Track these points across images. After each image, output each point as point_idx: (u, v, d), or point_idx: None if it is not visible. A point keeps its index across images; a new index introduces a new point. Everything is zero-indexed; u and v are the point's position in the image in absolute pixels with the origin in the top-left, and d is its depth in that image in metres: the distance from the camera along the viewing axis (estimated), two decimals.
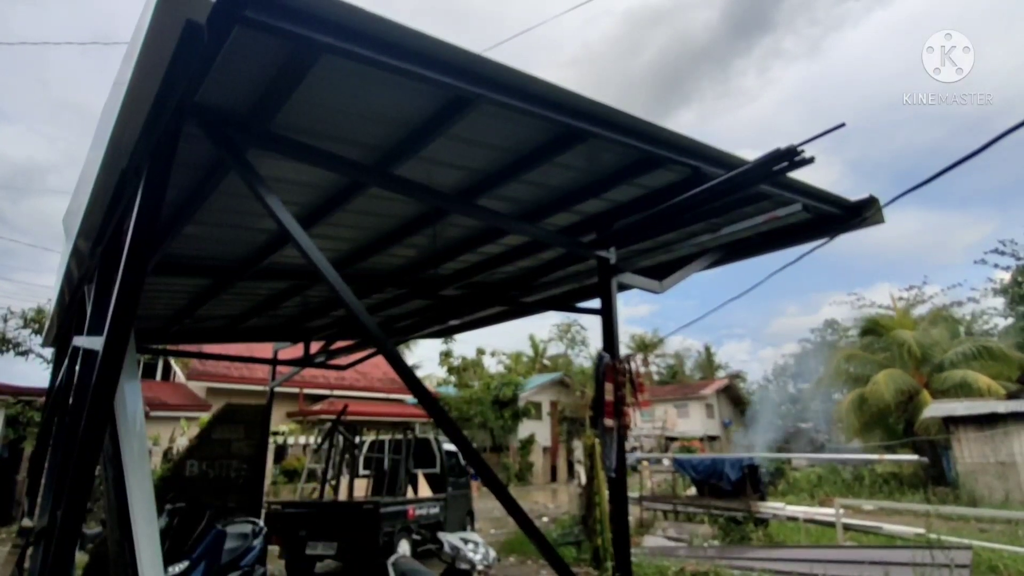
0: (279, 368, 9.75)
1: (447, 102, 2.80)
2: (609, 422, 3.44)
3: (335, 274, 2.95)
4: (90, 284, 3.89)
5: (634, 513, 12.68)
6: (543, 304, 5.94)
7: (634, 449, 38.91)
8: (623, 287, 4.23)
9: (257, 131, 2.81)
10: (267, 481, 21.03)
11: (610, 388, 3.49)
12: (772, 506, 9.85)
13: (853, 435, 21.75)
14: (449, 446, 10.90)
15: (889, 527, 8.69)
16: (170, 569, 4.48)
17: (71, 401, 3.65)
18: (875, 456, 14.90)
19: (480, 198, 3.83)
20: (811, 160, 3.11)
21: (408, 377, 2.95)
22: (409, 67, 2.32)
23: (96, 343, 2.88)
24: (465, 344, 58.94)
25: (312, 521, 7.91)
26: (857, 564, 7.27)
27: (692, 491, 11.73)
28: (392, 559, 4.89)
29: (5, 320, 17.49)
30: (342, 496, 9.02)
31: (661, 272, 4.58)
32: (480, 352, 36.46)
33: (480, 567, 3.87)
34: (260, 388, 21.48)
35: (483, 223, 4.36)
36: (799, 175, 3.56)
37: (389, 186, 3.33)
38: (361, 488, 9.31)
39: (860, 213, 4.18)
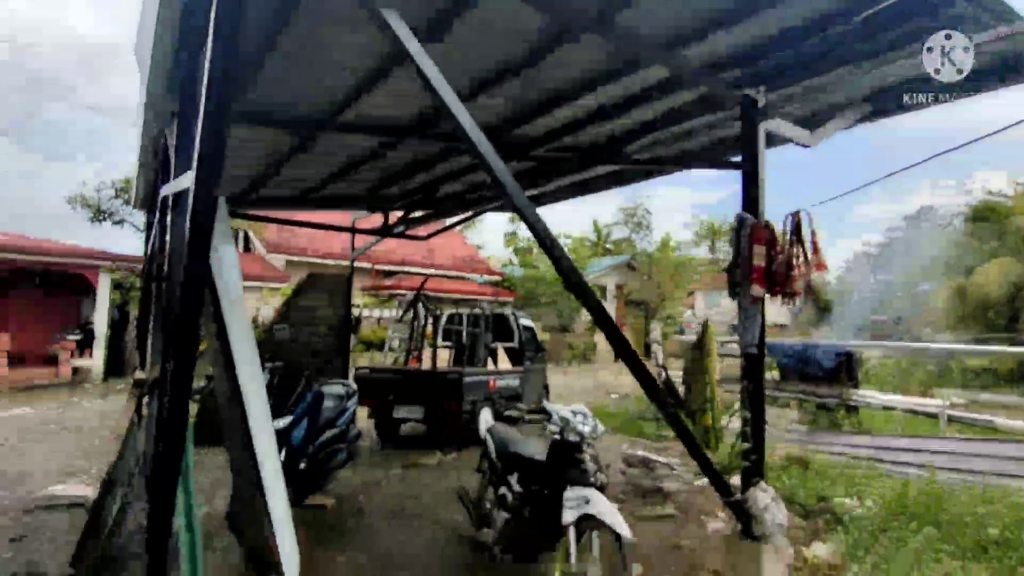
0: (357, 240, 9.65)
1: None
2: (758, 290, 2.92)
3: (461, 108, 2.44)
4: (171, 128, 3.54)
5: None
6: (663, 162, 5.23)
7: (682, 332, 38.76)
8: (770, 140, 3.49)
9: None
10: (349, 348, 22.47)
11: (760, 252, 2.93)
12: (866, 394, 9.38)
13: (948, 328, 20.42)
14: (526, 321, 10.83)
15: (1004, 421, 8.08)
16: (275, 423, 4.57)
17: (167, 251, 3.49)
18: (996, 348, 13.81)
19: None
20: None
21: (546, 239, 2.52)
22: None
23: (184, 181, 2.55)
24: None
25: (399, 387, 8.13)
26: (964, 456, 6.82)
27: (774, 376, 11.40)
28: (488, 426, 4.81)
29: (99, 191, 18.30)
30: (425, 365, 9.21)
31: (807, 124, 3.79)
32: None
33: (589, 439, 3.64)
34: (336, 262, 22.16)
35: (594, 63, 3.64)
36: None
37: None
38: (442, 359, 9.47)
39: None
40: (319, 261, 22.08)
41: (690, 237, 53.86)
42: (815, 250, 2.95)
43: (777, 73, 3.29)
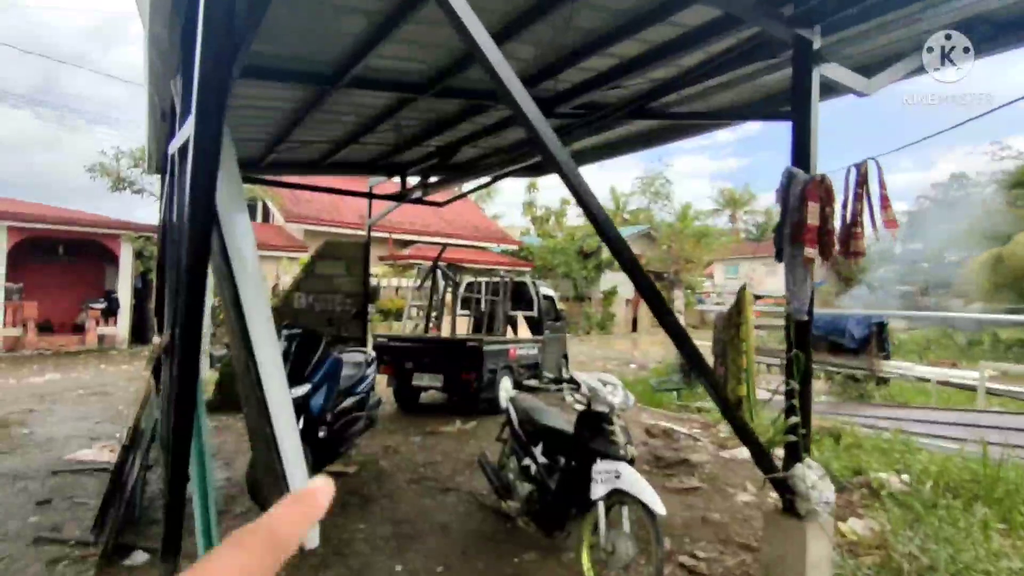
0: (375, 208, 9.46)
1: None
2: (810, 252, 2.67)
3: (493, 46, 2.20)
4: (175, 82, 3.34)
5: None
6: (704, 116, 4.87)
7: (718, 305, 38.35)
8: (825, 88, 3.18)
9: None
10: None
11: (814, 209, 2.66)
12: (898, 365, 9.09)
13: (980, 298, 19.78)
14: (546, 290, 10.63)
15: None
16: (293, 390, 4.47)
17: (173, 209, 3.34)
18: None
19: None
20: None
21: (586, 198, 2.30)
22: None
23: (187, 131, 2.36)
24: (548, 191, 57.67)
25: (418, 355, 8.04)
26: (1008, 431, 6.54)
27: None
28: (511, 395, 4.66)
29: (117, 159, 18.29)
30: (445, 333, 9.10)
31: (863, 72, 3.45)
32: (564, 202, 35.52)
33: (619, 410, 3.46)
34: (355, 231, 22.04)
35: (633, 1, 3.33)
36: None
37: None
38: (461, 327, 9.35)
39: None
40: (337, 230, 21.99)
41: (710, 207, 52.95)
42: (885, 205, 2.66)
43: (833, 11, 2.97)
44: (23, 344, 15.53)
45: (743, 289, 4.33)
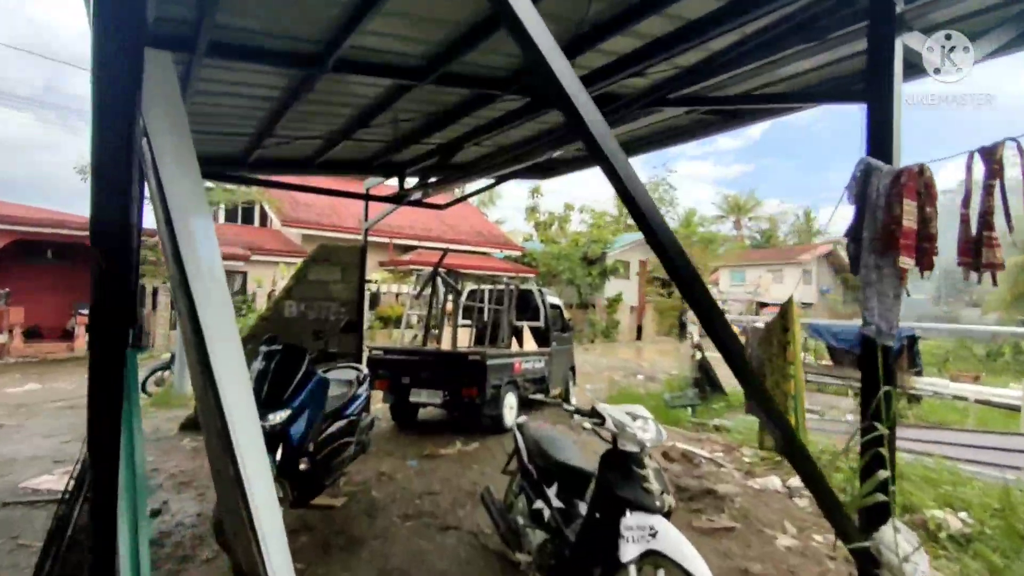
0: (373, 211, 8.92)
1: None
2: (907, 261, 2.11)
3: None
4: None
5: None
6: (763, 100, 4.23)
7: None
8: (908, 66, 2.61)
9: None
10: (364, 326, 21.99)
11: (911, 209, 2.10)
12: (931, 382, 8.48)
13: (998, 308, 19.18)
14: (553, 299, 10.06)
15: None
16: (270, 417, 3.91)
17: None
18: None
19: None
20: None
21: (633, 194, 1.76)
22: None
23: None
24: (552, 196, 56.99)
25: (416, 369, 7.46)
26: None
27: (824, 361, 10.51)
28: (519, 421, 4.09)
29: None
30: (445, 345, 8.53)
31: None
32: (568, 207, 35.01)
33: (650, 447, 2.89)
34: (354, 236, 21.50)
35: None
36: None
37: None
38: (463, 339, 8.77)
39: None
40: (336, 235, 21.46)
41: (714, 213, 52.44)
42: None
43: None
44: (8, 351, 14.98)
45: (790, 302, 3.76)
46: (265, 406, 3.93)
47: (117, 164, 1.48)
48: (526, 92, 4.76)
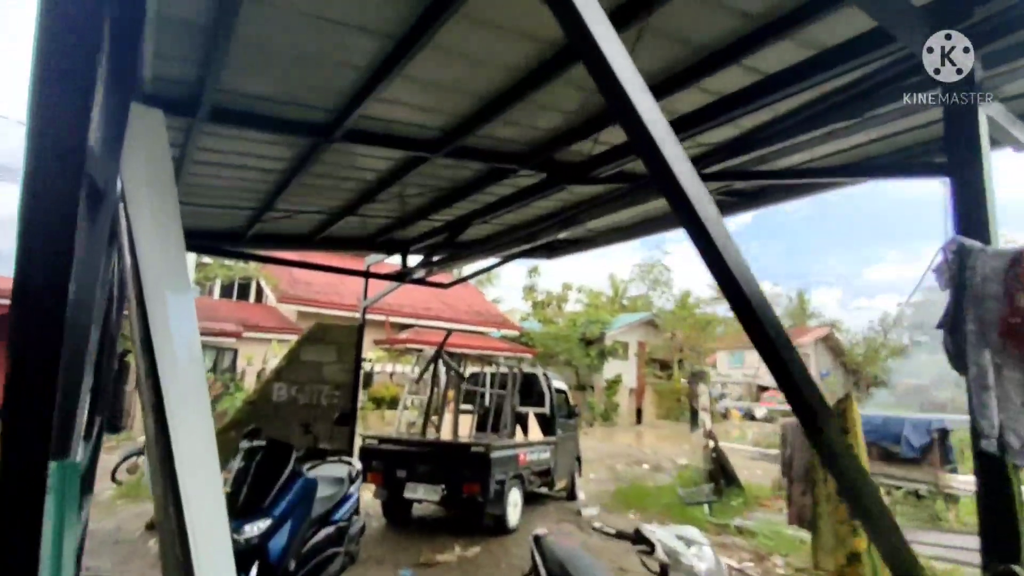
0: (373, 288, 8.58)
1: None
2: None
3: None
4: None
5: (766, 471, 11.03)
6: (826, 174, 3.89)
7: (722, 396, 36.81)
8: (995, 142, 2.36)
9: None
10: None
11: None
12: (969, 480, 7.85)
13: None
14: (558, 383, 9.53)
15: None
16: (248, 527, 3.34)
17: None
18: None
19: None
20: None
21: (726, 269, 1.40)
22: None
23: None
24: (548, 275, 57.53)
25: (413, 461, 6.82)
26: None
27: None
28: (537, 535, 3.51)
29: None
30: (445, 434, 7.90)
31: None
32: (566, 287, 34.98)
33: None
34: (351, 314, 21.09)
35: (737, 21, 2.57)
36: None
37: None
38: (464, 427, 8.17)
39: None
40: (333, 312, 21.07)
41: (708, 294, 52.75)
42: None
43: (1000, 32, 2.20)
44: None
45: (848, 399, 3.31)
46: (242, 514, 3.37)
47: (52, 226, 1.10)
48: (543, 167, 4.55)
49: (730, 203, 5.82)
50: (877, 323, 49.87)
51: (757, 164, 3.95)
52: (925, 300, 39.82)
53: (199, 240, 6.35)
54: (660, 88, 3.15)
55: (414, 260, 7.39)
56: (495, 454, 6.57)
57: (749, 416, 31.73)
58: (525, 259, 8.55)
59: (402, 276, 7.31)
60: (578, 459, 9.73)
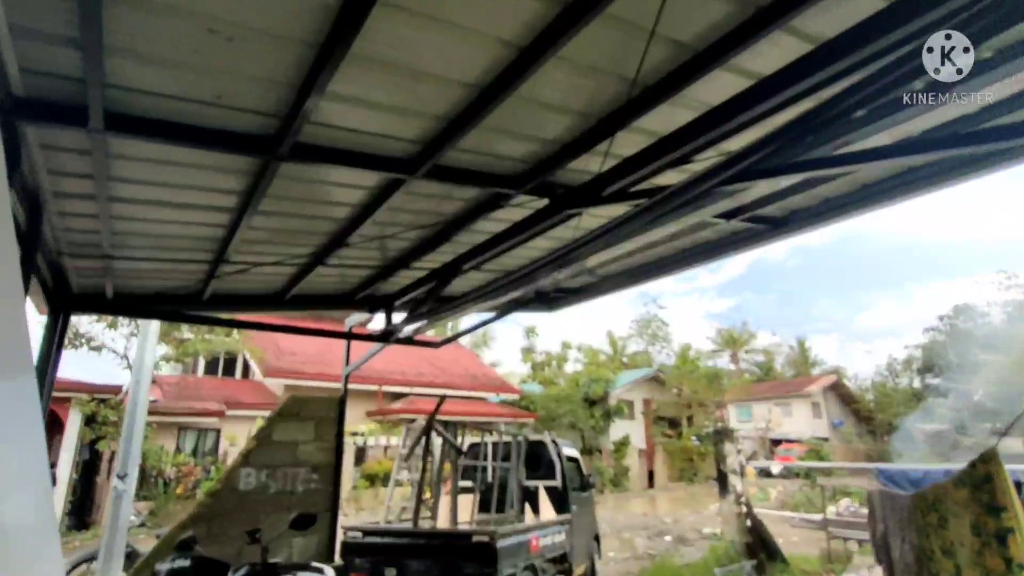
0: (357, 351, 7.68)
1: None
2: None
3: None
4: None
5: (806, 538, 9.79)
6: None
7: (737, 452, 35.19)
8: None
9: None
10: (346, 488, 19.57)
11: None
12: None
13: None
14: (569, 450, 8.47)
15: None
16: None
17: None
18: None
19: None
20: None
21: None
22: None
23: None
24: (546, 336, 56.53)
25: (405, 555, 5.71)
26: None
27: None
28: None
29: None
30: (442, 520, 6.78)
31: None
32: (566, 346, 33.99)
33: None
34: (339, 386, 19.95)
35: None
36: None
37: None
38: (464, 509, 7.06)
39: None
40: (321, 384, 19.95)
41: (708, 347, 51.84)
42: None
43: None
44: None
45: (993, 457, 2.41)
46: None
47: None
48: (543, 191, 3.82)
49: (756, 233, 5.10)
50: (884, 368, 48.97)
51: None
52: (932, 342, 39.07)
53: (149, 305, 5.52)
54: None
55: (400, 318, 6.55)
56: (502, 543, 5.49)
57: (766, 473, 30.08)
58: (523, 312, 7.71)
59: (387, 336, 6.44)
60: (596, 538, 8.54)
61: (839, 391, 43.12)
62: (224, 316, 5.74)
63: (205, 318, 5.84)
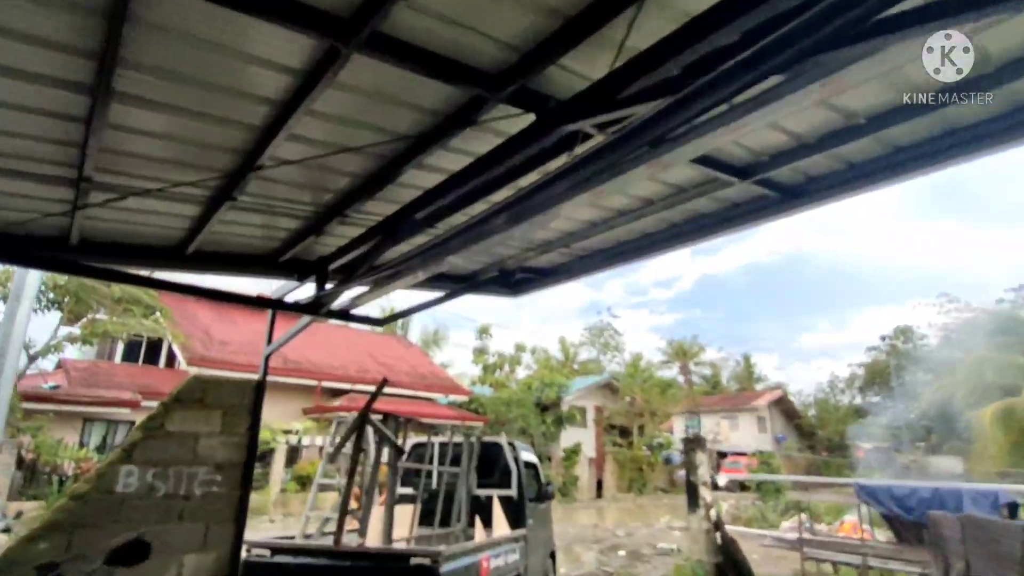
0: (278, 328, 6.44)
1: None
2: None
3: None
4: None
5: (771, 557, 9.11)
6: None
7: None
8: None
9: None
10: (275, 490, 17.93)
11: None
12: None
13: (993, 456, 17.65)
14: (528, 455, 7.45)
15: None
16: None
17: None
18: None
19: None
20: None
21: None
22: None
23: None
24: (500, 337, 55.51)
25: None
26: None
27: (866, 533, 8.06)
28: None
29: None
30: (373, 534, 5.59)
31: None
32: (520, 348, 33.07)
33: None
34: (281, 379, 18.33)
35: None
36: None
37: None
38: (402, 522, 5.91)
39: None
40: (254, 377, 18.24)
41: (658, 358, 52.26)
42: None
43: None
44: None
45: None
46: None
47: None
48: (530, 102, 2.82)
49: (771, 202, 4.25)
50: (826, 385, 50.48)
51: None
52: (873, 361, 40.37)
53: None
54: None
55: (348, 295, 5.38)
56: (447, 566, 4.40)
57: (713, 485, 29.96)
58: (483, 294, 6.66)
59: (317, 307, 5.28)
60: (552, 555, 7.54)
61: (783, 406, 44.01)
62: (98, 266, 4.45)
63: (71, 264, 4.51)
